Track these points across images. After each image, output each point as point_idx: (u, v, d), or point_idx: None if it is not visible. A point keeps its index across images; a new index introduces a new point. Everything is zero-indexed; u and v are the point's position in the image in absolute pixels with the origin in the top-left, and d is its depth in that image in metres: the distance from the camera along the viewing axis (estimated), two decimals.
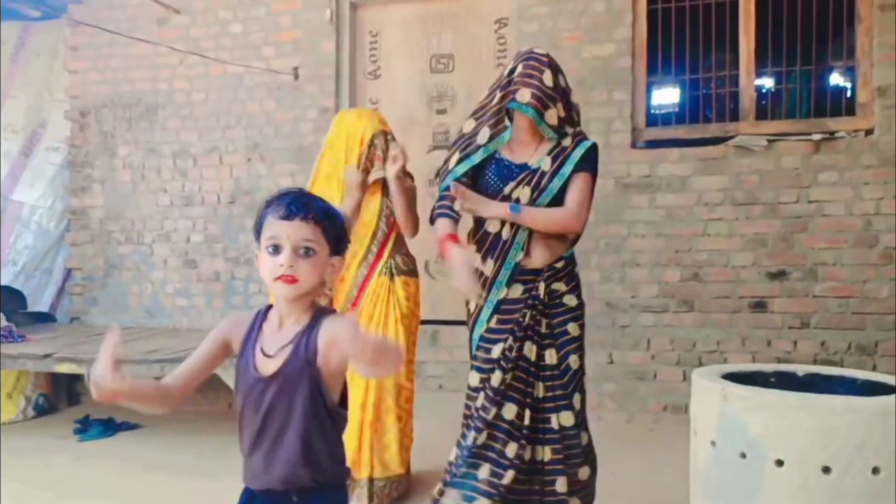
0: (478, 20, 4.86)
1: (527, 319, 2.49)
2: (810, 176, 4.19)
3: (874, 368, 4.01)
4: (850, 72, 4.52)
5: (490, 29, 4.83)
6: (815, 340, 4.17)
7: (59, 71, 5.51)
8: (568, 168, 2.48)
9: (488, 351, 2.52)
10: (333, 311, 1.59)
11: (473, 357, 2.58)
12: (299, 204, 1.48)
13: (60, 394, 5.13)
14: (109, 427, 4.46)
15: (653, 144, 4.50)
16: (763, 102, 4.62)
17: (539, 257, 2.52)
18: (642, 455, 3.73)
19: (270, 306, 1.58)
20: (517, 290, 2.52)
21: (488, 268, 2.52)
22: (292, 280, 1.45)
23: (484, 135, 2.58)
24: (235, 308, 5.07)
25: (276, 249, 1.47)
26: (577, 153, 2.50)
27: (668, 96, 5.74)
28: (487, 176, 2.57)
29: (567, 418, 2.48)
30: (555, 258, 2.54)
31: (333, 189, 3.09)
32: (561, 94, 2.50)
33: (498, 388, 2.47)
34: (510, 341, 2.48)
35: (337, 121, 3.26)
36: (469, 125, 2.65)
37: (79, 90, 5.45)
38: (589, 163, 2.52)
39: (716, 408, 1.87)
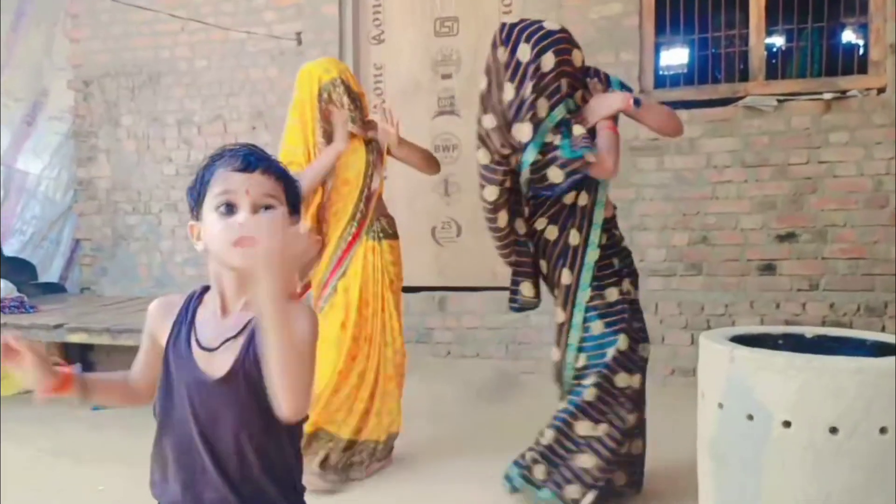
0: None
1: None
2: (821, 136, 4.13)
3: (883, 329, 3.99)
4: (862, 28, 4.42)
5: None
6: (824, 302, 4.16)
7: (59, 39, 5.46)
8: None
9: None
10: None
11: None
12: (258, 155, 1.26)
13: (73, 363, 5.19)
14: None
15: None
16: (773, 61, 4.54)
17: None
18: (650, 418, 3.73)
19: (206, 288, 1.32)
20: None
21: (573, 239, 2.59)
22: (254, 243, 1.13)
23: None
24: None
25: (231, 209, 1.22)
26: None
27: (676, 56, 5.64)
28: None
29: None
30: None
31: (300, 157, 2.97)
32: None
33: None
34: None
35: (297, 80, 3.14)
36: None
37: (81, 59, 5.40)
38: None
39: (723, 370, 1.87)
